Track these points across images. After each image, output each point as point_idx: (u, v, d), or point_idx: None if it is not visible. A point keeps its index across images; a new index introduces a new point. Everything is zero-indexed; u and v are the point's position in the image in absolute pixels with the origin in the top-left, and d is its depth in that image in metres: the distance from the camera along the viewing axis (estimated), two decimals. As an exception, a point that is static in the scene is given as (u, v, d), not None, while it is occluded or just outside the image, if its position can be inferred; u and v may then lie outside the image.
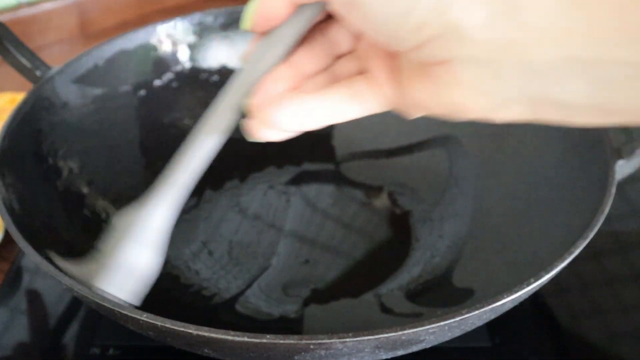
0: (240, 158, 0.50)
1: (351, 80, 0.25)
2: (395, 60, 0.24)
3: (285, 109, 0.24)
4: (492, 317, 0.30)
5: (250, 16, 0.24)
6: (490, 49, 0.19)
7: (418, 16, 0.20)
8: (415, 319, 0.32)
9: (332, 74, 0.26)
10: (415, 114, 0.24)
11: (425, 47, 0.20)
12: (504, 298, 0.28)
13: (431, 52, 0.20)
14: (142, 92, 0.48)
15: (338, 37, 0.26)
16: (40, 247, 0.30)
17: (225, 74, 0.52)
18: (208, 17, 0.51)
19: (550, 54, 0.19)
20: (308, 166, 0.49)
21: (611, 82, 0.19)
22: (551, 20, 0.18)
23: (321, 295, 0.40)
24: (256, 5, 0.24)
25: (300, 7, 0.24)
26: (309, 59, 0.26)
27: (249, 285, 0.40)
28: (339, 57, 0.26)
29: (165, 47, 0.50)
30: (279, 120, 0.24)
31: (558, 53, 0.19)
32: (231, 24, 0.51)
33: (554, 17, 0.18)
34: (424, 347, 0.29)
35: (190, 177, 0.28)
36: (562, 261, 0.30)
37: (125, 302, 0.28)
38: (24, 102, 0.40)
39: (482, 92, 0.20)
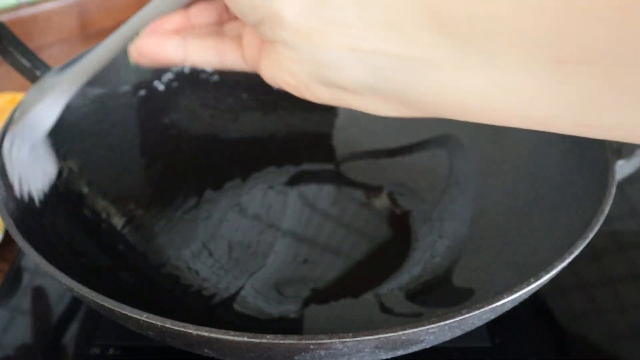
0: (240, 158, 0.50)
1: (220, 36, 0.29)
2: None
3: (150, 41, 0.29)
4: (492, 317, 0.30)
5: None
6: (300, 36, 0.22)
7: None
8: (415, 319, 0.32)
9: (219, 30, 0.30)
10: (266, 81, 0.27)
11: (260, 26, 0.23)
12: (504, 298, 0.28)
13: (264, 31, 0.23)
14: (142, 92, 0.48)
15: None
16: (40, 247, 0.30)
17: (225, 74, 0.52)
18: (208, 17, 0.51)
19: (335, 43, 0.22)
20: (308, 166, 0.50)
21: (385, 73, 0.21)
22: (343, 13, 0.21)
23: (321, 295, 0.40)
24: None
25: None
26: (204, 11, 0.30)
27: (250, 285, 0.40)
28: (235, 18, 0.29)
29: (165, 47, 0.50)
30: (142, 48, 0.29)
31: (340, 42, 0.21)
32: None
33: (345, 10, 0.21)
34: (424, 347, 0.29)
35: (87, 74, 0.32)
36: (562, 261, 0.30)
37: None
38: (24, 102, 0.40)
39: (292, 73, 0.24)
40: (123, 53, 0.47)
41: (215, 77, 0.51)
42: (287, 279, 0.41)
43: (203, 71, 0.51)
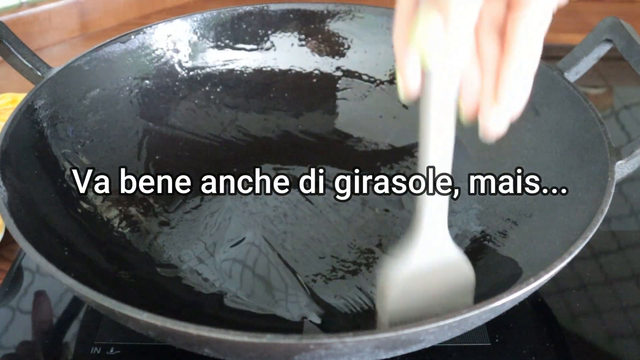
0: (240, 158, 0.50)
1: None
2: None
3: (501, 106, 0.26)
4: (492, 317, 0.30)
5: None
6: None
7: None
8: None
9: (491, 24, 0.26)
10: None
11: None
12: (504, 298, 0.28)
13: None
14: (142, 92, 0.48)
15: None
16: (40, 247, 0.30)
17: (225, 74, 0.52)
18: (208, 17, 0.51)
19: None
20: (308, 166, 0.49)
21: None
22: None
23: (322, 294, 0.40)
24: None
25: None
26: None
27: (249, 285, 0.40)
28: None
29: (165, 48, 0.50)
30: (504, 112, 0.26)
31: None
32: (231, 24, 0.51)
33: None
34: (423, 347, 0.30)
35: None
36: (562, 261, 0.30)
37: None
38: (25, 103, 0.40)
39: None
40: (121, 53, 0.47)
41: (216, 78, 0.51)
42: (288, 279, 0.41)
43: (203, 71, 0.51)
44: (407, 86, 0.25)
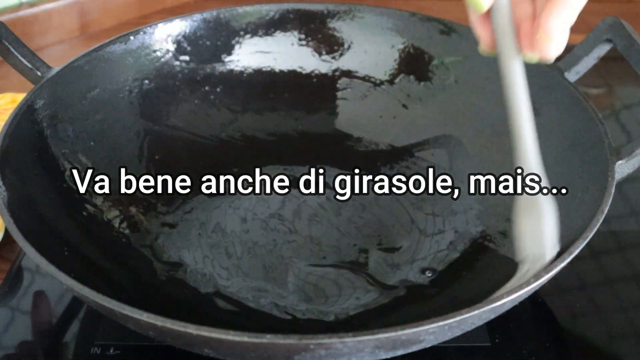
0: (240, 159, 0.50)
1: None
2: None
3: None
4: (492, 317, 0.30)
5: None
6: None
7: None
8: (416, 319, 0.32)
9: None
10: None
11: None
12: (504, 298, 0.28)
13: None
14: (142, 92, 0.48)
15: None
16: (40, 247, 0.30)
17: (225, 74, 0.52)
18: (208, 17, 0.51)
19: None
20: (308, 167, 0.49)
21: None
22: None
23: (327, 293, 0.40)
24: None
25: None
26: None
27: (249, 285, 0.40)
28: None
29: (165, 47, 0.50)
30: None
31: None
32: (231, 23, 0.51)
33: None
34: (423, 347, 0.30)
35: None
36: (562, 261, 0.30)
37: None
38: (25, 103, 0.40)
39: None
40: (121, 53, 0.47)
41: (215, 77, 0.51)
42: (289, 279, 0.41)
43: (203, 71, 0.51)
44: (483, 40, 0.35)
